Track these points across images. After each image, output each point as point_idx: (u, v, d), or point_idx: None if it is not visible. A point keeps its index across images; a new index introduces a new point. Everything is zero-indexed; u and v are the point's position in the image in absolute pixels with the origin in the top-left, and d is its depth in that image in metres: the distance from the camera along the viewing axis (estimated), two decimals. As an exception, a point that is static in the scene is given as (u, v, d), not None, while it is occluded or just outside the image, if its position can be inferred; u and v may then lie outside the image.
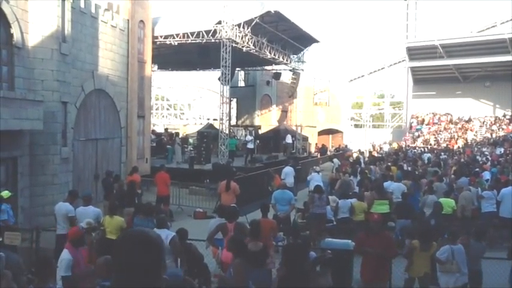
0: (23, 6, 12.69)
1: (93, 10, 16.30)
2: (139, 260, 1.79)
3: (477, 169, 17.62)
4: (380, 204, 11.57)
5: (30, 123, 11.90)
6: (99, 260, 5.41)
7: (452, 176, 16.60)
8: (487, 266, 7.75)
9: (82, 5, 15.63)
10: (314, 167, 17.22)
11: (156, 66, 32.45)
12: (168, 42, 23.35)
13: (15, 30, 12.35)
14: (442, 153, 28.43)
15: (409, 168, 18.65)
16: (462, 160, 23.51)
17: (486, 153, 28.91)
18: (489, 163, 22.07)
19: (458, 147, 35.19)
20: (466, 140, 38.15)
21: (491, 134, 38.49)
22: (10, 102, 11.20)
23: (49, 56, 13.10)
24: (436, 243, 7.50)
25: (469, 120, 42.14)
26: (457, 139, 38.84)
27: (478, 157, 25.60)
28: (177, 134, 29.20)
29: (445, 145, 36.77)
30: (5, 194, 9.53)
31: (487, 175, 16.76)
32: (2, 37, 12.19)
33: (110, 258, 5.30)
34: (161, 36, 23.02)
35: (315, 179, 15.60)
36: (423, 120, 44.27)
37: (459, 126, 41.96)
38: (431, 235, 7.62)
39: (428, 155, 27.12)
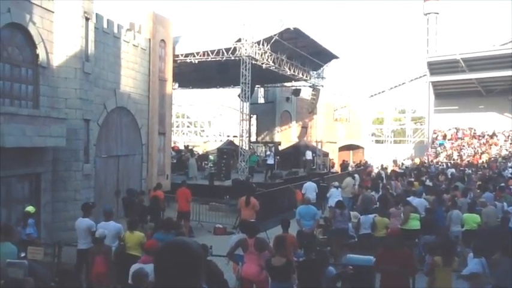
0: (49, 27, 13.08)
1: (115, 30, 16.69)
2: (180, 268, 1.86)
3: (502, 184, 17.22)
4: (413, 219, 11.36)
5: (54, 140, 12.15)
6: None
7: (478, 191, 16.27)
8: None
9: (105, 25, 16.04)
10: (333, 183, 17.09)
11: (176, 84, 32.86)
12: (188, 61, 23.64)
13: (40, 51, 12.71)
14: (467, 169, 27.88)
15: (431, 184, 18.34)
16: (487, 175, 23.01)
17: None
18: (515, 178, 21.54)
19: (483, 162, 34.49)
20: (491, 154, 37.40)
21: (516, 149, 37.67)
22: (35, 120, 11.49)
23: (72, 75, 13.42)
24: (457, 258, 7.33)
25: (493, 135, 41.33)
26: (481, 154, 38.10)
27: (503, 172, 25.05)
28: (191, 150, 29.26)
29: (468, 160, 36.08)
30: (31, 209, 9.71)
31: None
32: (28, 57, 12.56)
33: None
34: (182, 55, 23.34)
35: (334, 194, 15.47)
36: (445, 135, 43.61)
37: (483, 141, 41.18)
38: (454, 250, 7.45)
39: (452, 170, 26.65)
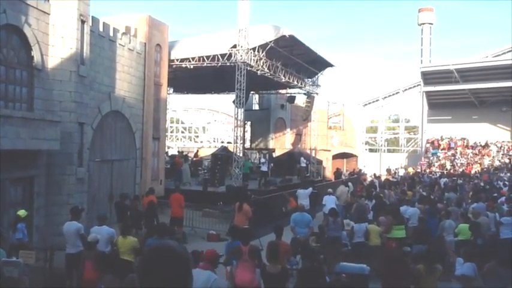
0: (44, 29, 13.03)
1: (111, 34, 16.66)
2: (165, 274, 1.78)
3: (495, 194, 17.31)
4: (397, 229, 11.40)
5: (48, 143, 12.06)
6: (128, 277, 5.47)
7: (469, 201, 16.34)
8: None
9: (101, 28, 16.01)
10: (328, 190, 17.11)
11: (171, 89, 32.81)
12: (184, 66, 23.65)
13: (35, 53, 12.65)
14: (459, 179, 28.00)
15: (425, 193, 18.39)
16: (481, 185, 23.09)
17: (504, 178, 28.43)
18: (506, 188, 21.67)
19: (476, 172, 34.68)
20: (483, 165, 37.62)
21: (509, 159, 37.91)
22: (29, 123, 11.40)
23: (67, 78, 13.36)
24: (441, 266, 7.31)
25: (485, 145, 41.61)
26: (474, 164, 38.33)
27: (495, 182, 25.17)
28: (186, 155, 29.21)
29: (461, 170, 36.28)
30: (22, 213, 9.61)
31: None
32: (23, 59, 12.49)
33: (135, 277, 5.32)
34: (177, 60, 23.34)
35: (329, 201, 15.50)
36: (439, 145, 43.84)
37: (475, 151, 41.43)
38: (436, 258, 7.42)
39: (445, 179, 26.75)
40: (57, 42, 13.28)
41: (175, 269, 1.79)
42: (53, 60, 13.22)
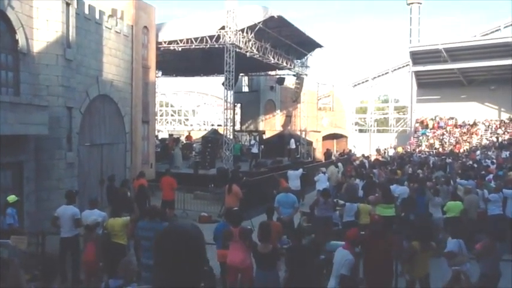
0: (28, 12, 12.78)
1: (97, 16, 16.39)
2: (178, 256, 1.77)
3: (483, 172, 17.54)
4: (386, 208, 11.53)
5: (36, 128, 11.93)
6: (123, 260, 5.55)
7: (458, 178, 16.55)
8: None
9: (86, 11, 15.74)
10: (321, 168, 17.26)
11: (160, 72, 32.53)
12: (172, 48, 23.40)
13: (20, 36, 12.42)
14: (447, 158, 28.28)
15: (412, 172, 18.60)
16: (469, 163, 23.36)
17: (492, 156, 28.77)
18: (494, 166, 21.95)
19: (464, 150, 35.04)
20: (472, 143, 38.01)
21: (497, 138, 38.32)
22: (16, 107, 11.25)
23: (54, 62, 13.16)
24: (434, 243, 7.47)
25: (474, 124, 41.99)
26: (462, 143, 38.71)
27: (483, 161, 25.47)
28: (177, 139, 29.14)
29: (450, 149, 36.64)
30: (11, 198, 9.56)
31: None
32: (8, 43, 12.27)
33: (130, 261, 5.38)
34: (165, 42, 23.08)
35: (322, 179, 15.64)
36: (427, 125, 44.14)
37: (464, 130, 41.81)
38: (430, 234, 7.57)
39: (434, 158, 27.01)
40: (42, 25, 13.04)
41: (189, 251, 1.78)
42: (38, 44, 13.00)
